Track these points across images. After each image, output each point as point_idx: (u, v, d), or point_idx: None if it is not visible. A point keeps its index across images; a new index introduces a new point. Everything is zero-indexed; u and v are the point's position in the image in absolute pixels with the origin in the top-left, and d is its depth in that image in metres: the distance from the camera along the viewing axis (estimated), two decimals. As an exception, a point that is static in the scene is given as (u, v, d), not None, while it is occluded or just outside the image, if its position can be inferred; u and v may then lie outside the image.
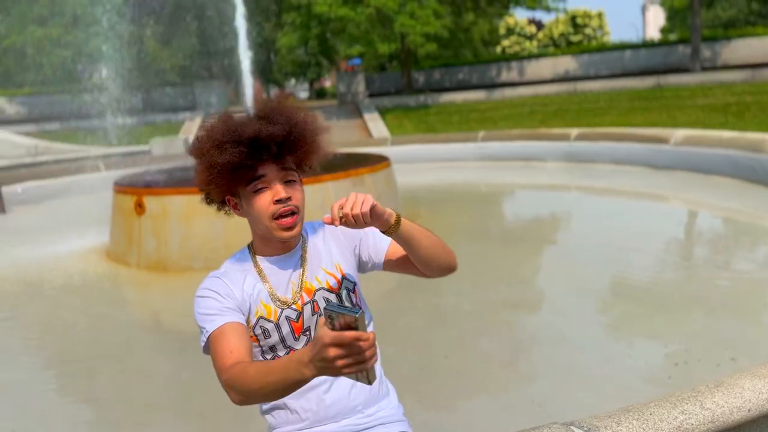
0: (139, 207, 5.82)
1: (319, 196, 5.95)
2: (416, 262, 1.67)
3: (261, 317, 1.61)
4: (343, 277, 1.68)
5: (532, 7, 23.33)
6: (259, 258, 1.65)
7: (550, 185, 9.57)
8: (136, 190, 5.91)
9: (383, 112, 20.41)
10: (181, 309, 4.78)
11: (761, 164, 7.41)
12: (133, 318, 4.62)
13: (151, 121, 20.23)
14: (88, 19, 18.11)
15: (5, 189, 9.32)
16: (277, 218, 1.53)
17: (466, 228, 6.91)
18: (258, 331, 1.61)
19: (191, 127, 19.30)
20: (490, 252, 5.75)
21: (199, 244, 5.58)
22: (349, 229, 1.64)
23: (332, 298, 1.66)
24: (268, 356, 1.64)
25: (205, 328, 1.55)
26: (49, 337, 4.29)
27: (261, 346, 1.63)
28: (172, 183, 6.10)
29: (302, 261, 1.66)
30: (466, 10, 24.25)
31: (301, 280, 1.65)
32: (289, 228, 1.55)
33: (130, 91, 22.85)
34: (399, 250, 1.71)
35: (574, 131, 10.92)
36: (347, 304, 1.67)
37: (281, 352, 1.63)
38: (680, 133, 9.08)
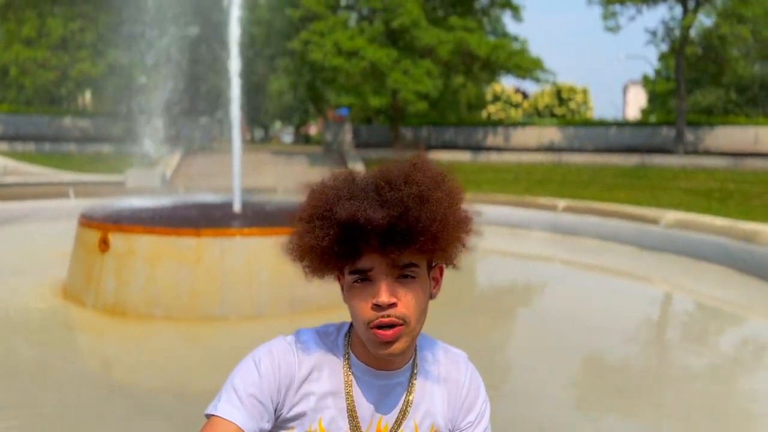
0: (104, 243, 5.37)
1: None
2: None
3: None
4: None
5: (521, 77, 23.69)
6: (353, 356, 1.24)
7: (533, 255, 9.32)
8: (103, 225, 5.47)
9: (369, 164, 20.23)
10: (134, 363, 4.33)
11: (753, 255, 7.23)
12: (77, 369, 4.11)
13: (129, 151, 19.80)
14: (75, 44, 17.85)
15: (-36, 208, 8.78)
16: (374, 327, 1.14)
17: (439, 294, 6.54)
18: None
19: (170, 161, 18.88)
20: (461, 322, 5.39)
21: (163, 289, 5.13)
22: (478, 400, 1.34)
23: None
24: None
25: (218, 402, 1.18)
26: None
27: None
28: (142, 220, 5.67)
29: (407, 395, 1.27)
30: (457, 72, 24.57)
31: (396, 423, 1.26)
32: (388, 343, 1.15)
33: (112, 118, 22.50)
34: None
35: (562, 202, 10.76)
36: None
37: None
38: (671, 216, 8.94)
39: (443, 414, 1.31)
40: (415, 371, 1.29)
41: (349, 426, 1.23)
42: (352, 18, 22.87)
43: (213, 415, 1.16)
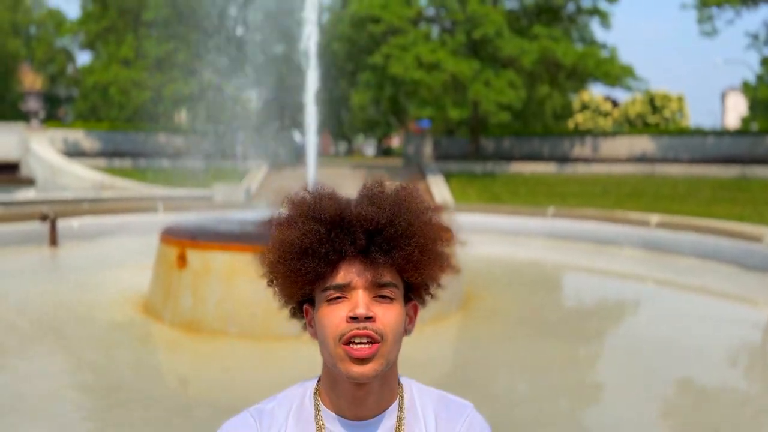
0: (182, 260, 5.44)
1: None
2: None
3: None
4: None
5: (611, 85, 22.77)
6: (324, 411, 1.11)
7: (623, 274, 8.77)
8: (180, 241, 5.54)
9: (448, 177, 20.02)
10: (206, 380, 4.31)
11: None
12: (148, 385, 4.13)
13: (219, 166, 20.52)
14: (169, 64, 18.71)
15: (62, 223, 9.25)
16: (347, 343, 1.02)
17: (525, 315, 6.21)
18: None
19: (255, 175, 19.37)
20: (544, 344, 5.05)
21: (238, 307, 5.12)
22: None
23: None
24: None
25: None
26: (50, 398, 3.81)
27: None
28: (219, 237, 5.70)
29: None
30: (541, 82, 23.93)
31: None
32: (362, 360, 1.02)
33: (203, 135, 23.41)
34: None
35: (655, 218, 10.13)
36: None
37: None
38: (778, 233, 8.20)
39: None
40: (402, 420, 1.12)
41: None
42: (434, 31, 22.79)
43: None
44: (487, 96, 19.88)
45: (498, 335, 5.57)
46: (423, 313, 4.47)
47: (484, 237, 11.17)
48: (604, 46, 23.39)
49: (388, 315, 1.05)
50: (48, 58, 31.51)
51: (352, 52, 22.56)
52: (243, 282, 5.20)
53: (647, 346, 5.11)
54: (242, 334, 5.00)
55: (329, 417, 1.10)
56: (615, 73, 21.19)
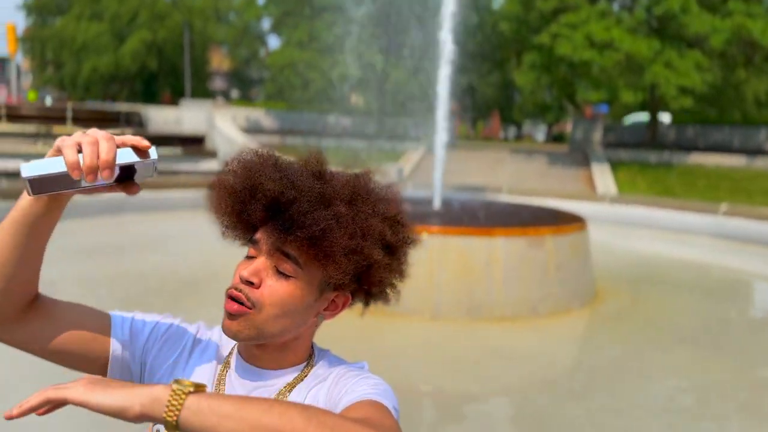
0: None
1: (484, 251, 5.21)
2: None
3: None
4: None
5: (823, 67, 19.65)
6: (235, 351, 1.17)
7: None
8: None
9: (615, 166, 18.65)
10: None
11: None
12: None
13: (379, 147, 21.02)
14: (340, 47, 19.42)
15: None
16: (227, 295, 1.08)
17: (676, 325, 5.57)
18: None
19: (410, 157, 19.57)
20: (705, 370, 4.46)
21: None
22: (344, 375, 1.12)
23: None
24: None
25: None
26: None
27: None
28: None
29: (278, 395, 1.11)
30: (737, 65, 21.27)
31: None
32: (230, 315, 1.06)
33: (368, 116, 24.10)
34: None
35: None
36: None
37: None
38: None
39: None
40: (302, 378, 1.12)
41: None
42: (614, 7, 21.20)
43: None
44: (667, 78, 18.09)
45: (614, 338, 5.09)
46: (540, 307, 4.26)
47: (643, 232, 10.28)
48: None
49: (274, 288, 1.06)
50: (240, 41, 34.26)
51: (521, 31, 21.70)
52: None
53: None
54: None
55: (236, 355, 1.15)
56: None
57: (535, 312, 5.30)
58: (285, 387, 1.10)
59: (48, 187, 0.96)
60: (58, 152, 0.98)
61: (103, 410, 0.86)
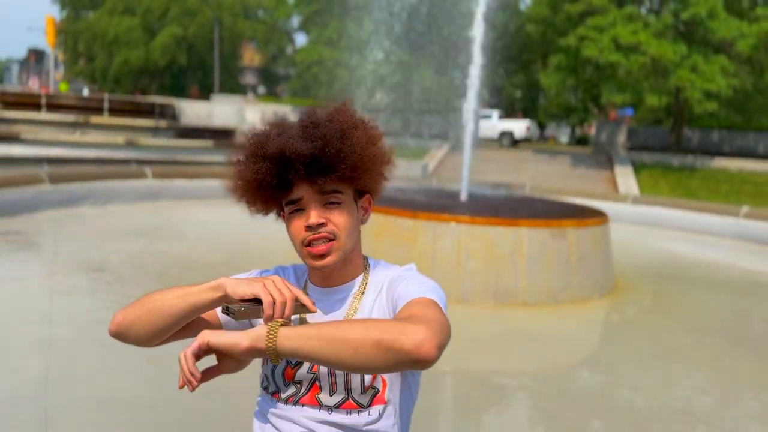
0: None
1: (509, 240, 5.51)
2: None
3: None
4: None
5: None
6: (309, 283, 1.45)
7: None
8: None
9: (638, 168, 18.77)
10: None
11: None
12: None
13: (404, 144, 21.32)
14: (368, 45, 19.73)
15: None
16: (308, 245, 1.33)
17: (693, 317, 5.82)
18: None
19: (435, 154, 19.85)
20: (721, 359, 4.72)
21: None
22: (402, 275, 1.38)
23: None
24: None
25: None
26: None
27: None
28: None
29: (353, 303, 1.39)
30: (764, 70, 21.22)
31: None
32: (321, 256, 1.32)
33: (395, 114, 24.41)
34: None
35: None
36: None
37: (270, 386, 1.40)
38: None
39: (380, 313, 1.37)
40: (365, 287, 1.40)
41: None
42: (642, 11, 21.27)
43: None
44: (693, 82, 18.19)
45: (632, 326, 5.37)
46: (561, 295, 4.63)
47: (664, 232, 10.45)
48: None
49: (337, 217, 1.33)
50: (269, 38, 34.81)
51: (547, 34, 21.89)
52: (386, 242, 5.60)
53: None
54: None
55: (310, 286, 1.43)
56: None
57: (556, 300, 5.58)
58: (355, 296, 1.38)
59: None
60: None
61: (221, 347, 1.18)
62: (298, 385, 1.36)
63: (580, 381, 4.18)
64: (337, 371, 1.33)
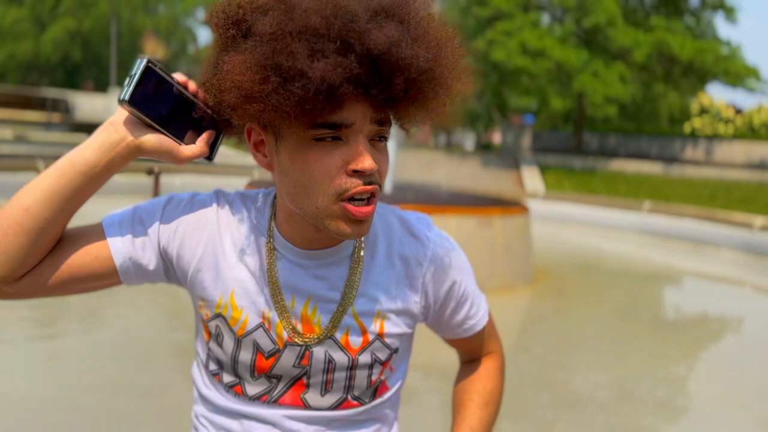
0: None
1: (437, 229, 5.38)
2: None
3: (220, 316, 1.01)
4: (379, 338, 1.02)
5: (731, 84, 21.17)
6: (278, 236, 0.99)
7: (719, 277, 8.17)
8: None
9: (543, 169, 19.43)
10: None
11: None
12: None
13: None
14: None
15: (165, 178, 9.77)
16: (347, 200, 0.87)
17: (606, 302, 5.95)
18: (213, 330, 1.03)
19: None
20: (627, 333, 4.80)
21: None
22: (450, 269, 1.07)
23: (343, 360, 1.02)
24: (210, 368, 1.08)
25: (114, 215, 1.00)
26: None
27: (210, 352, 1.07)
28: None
29: (350, 275, 1.00)
30: (655, 79, 22.61)
31: (333, 315, 1.00)
32: (361, 221, 0.89)
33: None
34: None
35: (759, 219, 9.37)
36: None
37: (226, 376, 1.05)
38: None
39: (393, 289, 1.03)
40: (361, 248, 1.01)
41: (274, 312, 1.00)
42: (545, 18, 22.10)
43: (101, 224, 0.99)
44: (594, 87, 19.08)
45: (556, 310, 5.42)
46: (488, 282, 4.50)
47: (573, 228, 10.79)
48: (727, 43, 21.78)
49: (383, 160, 0.91)
50: (171, 30, 33.50)
51: (459, 38, 22.30)
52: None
53: (738, 348, 4.75)
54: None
55: (281, 241, 0.99)
56: (736, 72, 19.68)
57: (484, 288, 5.50)
58: (354, 260, 1.00)
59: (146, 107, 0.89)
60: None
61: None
62: (273, 381, 1.02)
63: (513, 361, 4.09)
64: (338, 366, 1.00)
